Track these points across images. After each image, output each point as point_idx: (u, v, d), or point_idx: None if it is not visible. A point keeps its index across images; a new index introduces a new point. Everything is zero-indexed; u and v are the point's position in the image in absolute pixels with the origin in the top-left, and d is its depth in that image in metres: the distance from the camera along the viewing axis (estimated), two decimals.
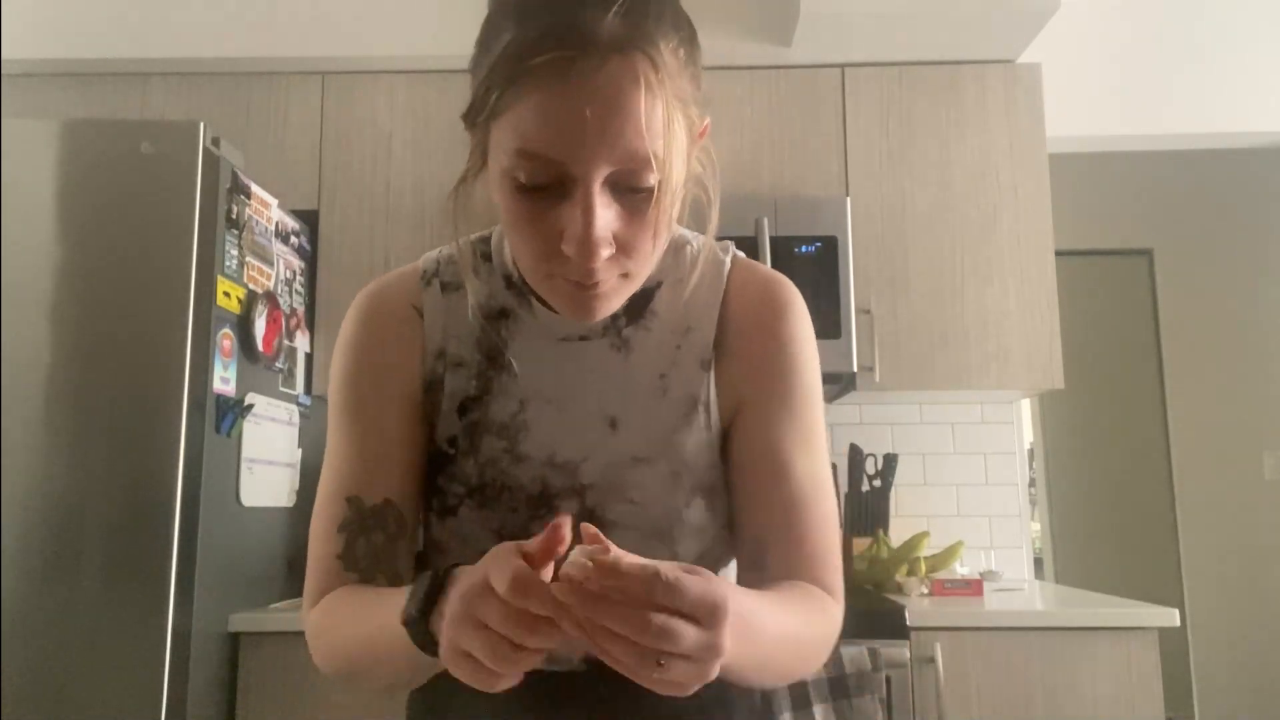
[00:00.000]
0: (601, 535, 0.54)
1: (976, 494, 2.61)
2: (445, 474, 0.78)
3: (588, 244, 0.62)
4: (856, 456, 2.43)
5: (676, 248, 0.80)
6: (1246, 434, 3.78)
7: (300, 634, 2.14)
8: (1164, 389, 3.86)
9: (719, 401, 0.78)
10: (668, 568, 0.51)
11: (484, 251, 0.80)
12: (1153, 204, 3.91)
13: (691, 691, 0.52)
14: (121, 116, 2.43)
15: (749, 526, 0.76)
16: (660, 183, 0.63)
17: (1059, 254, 2.43)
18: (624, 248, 0.65)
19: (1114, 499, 4.09)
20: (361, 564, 0.74)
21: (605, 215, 0.62)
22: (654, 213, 0.64)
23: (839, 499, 2.40)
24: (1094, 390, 4.03)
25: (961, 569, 2.35)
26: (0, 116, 2.04)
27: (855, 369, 2.23)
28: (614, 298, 0.68)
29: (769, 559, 0.74)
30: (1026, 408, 4.12)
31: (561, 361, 0.76)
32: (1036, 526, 4.21)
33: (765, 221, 2.22)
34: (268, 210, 2.11)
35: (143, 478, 1.76)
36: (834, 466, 2.41)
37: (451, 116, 2.45)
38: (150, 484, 1.76)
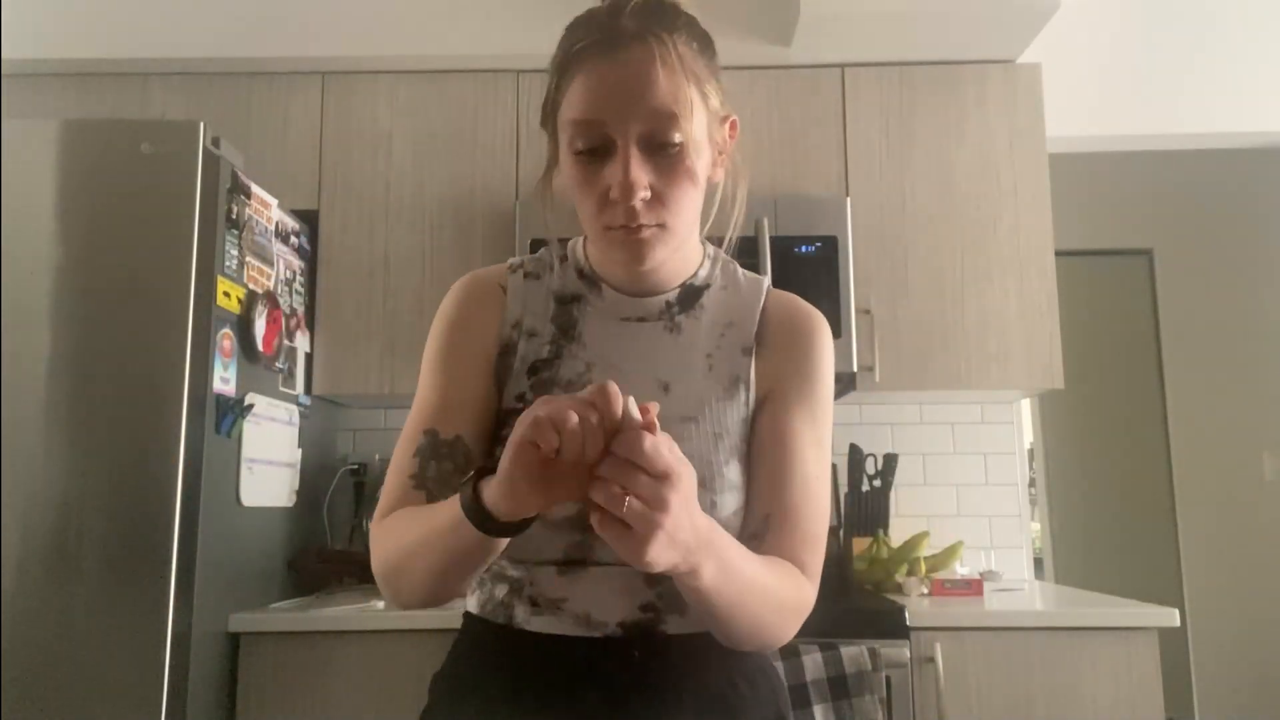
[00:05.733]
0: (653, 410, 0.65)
1: (976, 494, 2.61)
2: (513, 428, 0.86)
3: (626, 185, 0.79)
4: (856, 456, 2.43)
5: (724, 262, 0.97)
6: (1246, 434, 3.78)
7: (300, 634, 2.13)
8: (1164, 389, 3.86)
9: (756, 386, 0.90)
10: (655, 435, 0.63)
11: (561, 254, 0.97)
12: (1153, 204, 3.91)
13: (648, 551, 0.62)
14: (121, 116, 2.43)
15: (760, 501, 0.87)
16: (682, 138, 0.80)
17: (1059, 254, 2.43)
18: (659, 197, 0.81)
19: (1114, 499, 4.08)
20: (430, 485, 0.85)
21: (640, 167, 0.80)
22: (680, 164, 0.81)
23: (839, 499, 2.40)
24: (1094, 390, 4.03)
25: (961, 569, 2.35)
26: (0, 116, 2.04)
27: (855, 369, 2.23)
28: (657, 245, 0.83)
29: (769, 532, 0.85)
30: (1026, 408, 4.12)
31: (623, 336, 0.91)
32: (1036, 526, 4.21)
33: (765, 221, 2.21)
34: (268, 210, 2.11)
35: (143, 478, 1.76)
36: (834, 467, 2.42)
37: (452, 116, 2.45)
38: (150, 484, 1.76)
